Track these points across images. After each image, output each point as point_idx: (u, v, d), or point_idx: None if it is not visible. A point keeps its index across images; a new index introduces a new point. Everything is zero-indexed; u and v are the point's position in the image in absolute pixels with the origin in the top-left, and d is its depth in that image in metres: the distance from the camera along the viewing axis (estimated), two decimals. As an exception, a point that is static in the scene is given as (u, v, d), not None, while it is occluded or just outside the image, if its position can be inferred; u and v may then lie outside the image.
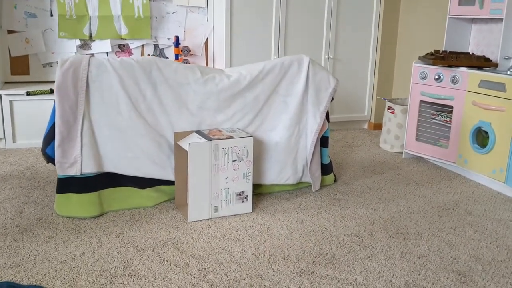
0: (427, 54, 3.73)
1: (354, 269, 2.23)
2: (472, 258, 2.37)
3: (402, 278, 2.17)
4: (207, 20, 4.51)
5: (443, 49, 3.87)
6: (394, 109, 4.11)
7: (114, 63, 2.70)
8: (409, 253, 2.39)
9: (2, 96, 3.79)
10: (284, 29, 4.36)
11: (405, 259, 2.33)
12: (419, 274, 2.20)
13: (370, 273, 2.20)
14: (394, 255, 2.37)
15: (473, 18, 3.85)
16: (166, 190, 2.90)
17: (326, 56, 4.56)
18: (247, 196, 2.77)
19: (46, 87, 4.01)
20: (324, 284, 2.10)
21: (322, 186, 3.26)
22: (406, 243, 2.50)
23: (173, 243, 2.41)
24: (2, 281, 2.02)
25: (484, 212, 2.94)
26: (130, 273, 2.13)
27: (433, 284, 2.13)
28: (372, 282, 2.12)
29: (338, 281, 2.12)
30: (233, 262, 2.25)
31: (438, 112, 3.79)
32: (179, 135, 2.76)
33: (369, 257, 2.34)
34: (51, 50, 4.19)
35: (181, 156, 2.77)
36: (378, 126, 4.86)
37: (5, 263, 2.17)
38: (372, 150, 4.16)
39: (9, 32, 4.07)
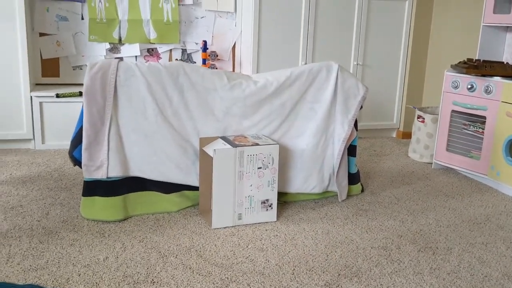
0: (459, 62, 3.63)
1: (381, 283, 2.16)
2: (504, 276, 2.28)
3: (431, 295, 2.09)
4: (235, 25, 4.50)
5: (477, 58, 3.76)
6: (424, 118, 4.02)
7: (142, 67, 2.71)
8: (438, 269, 2.31)
9: (33, 98, 3.85)
10: (312, 35, 4.32)
11: (434, 275, 2.25)
12: (448, 291, 2.12)
13: (397, 288, 2.13)
14: (422, 270, 2.30)
15: (508, 26, 3.74)
16: (190, 196, 2.89)
17: (355, 63, 4.49)
18: (271, 204, 2.74)
19: (76, 89, 4.06)
20: (349, 298, 2.04)
21: (349, 196, 3.19)
22: (435, 258, 2.42)
23: (196, 250, 2.39)
24: (26, 283, 2.03)
25: (517, 227, 2.84)
26: (152, 279, 2.12)
27: (463, 302, 2.05)
28: (399, 298, 2.06)
29: (364, 295, 2.07)
30: (256, 272, 2.22)
31: (470, 122, 3.69)
32: (204, 141, 2.75)
33: (396, 271, 2.27)
34: (81, 53, 4.25)
35: (206, 162, 2.75)
36: (407, 135, 4.76)
37: (30, 265, 2.18)
38: (400, 160, 4.08)
39: (41, 34, 4.14)
